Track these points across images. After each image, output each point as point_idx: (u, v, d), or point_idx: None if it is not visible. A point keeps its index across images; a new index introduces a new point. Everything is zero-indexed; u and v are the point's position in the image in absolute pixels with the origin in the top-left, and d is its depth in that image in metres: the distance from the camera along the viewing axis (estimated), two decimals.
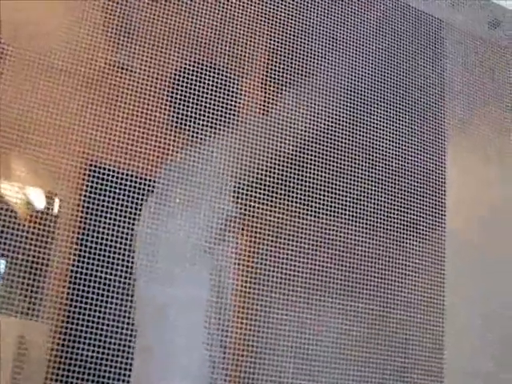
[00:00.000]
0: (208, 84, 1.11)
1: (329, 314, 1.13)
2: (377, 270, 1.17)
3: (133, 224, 1.07)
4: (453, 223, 1.22)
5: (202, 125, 1.10)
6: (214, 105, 1.13)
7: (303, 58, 1.24)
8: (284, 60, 1.21)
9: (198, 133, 1.11)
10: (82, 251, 1.07)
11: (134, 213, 1.06)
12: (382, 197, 1.21)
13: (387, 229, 1.19)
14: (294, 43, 1.24)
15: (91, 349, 1.02)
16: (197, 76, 1.12)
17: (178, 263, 1.12)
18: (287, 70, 1.22)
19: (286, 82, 1.21)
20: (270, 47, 1.23)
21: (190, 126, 1.10)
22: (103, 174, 1.05)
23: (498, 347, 1.14)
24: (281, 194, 1.17)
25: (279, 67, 1.20)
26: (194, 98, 1.10)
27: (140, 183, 1.07)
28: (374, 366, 1.10)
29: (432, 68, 1.41)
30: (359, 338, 1.12)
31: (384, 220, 1.20)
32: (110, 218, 1.05)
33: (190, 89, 1.10)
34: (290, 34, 1.24)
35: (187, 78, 1.12)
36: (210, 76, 1.12)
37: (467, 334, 1.14)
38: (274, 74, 1.20)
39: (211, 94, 1.12)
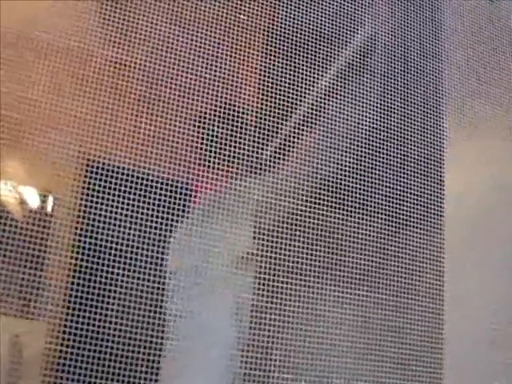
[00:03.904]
0: None
1: (327, 303, 1.13)
2: (375, 259, 1.16)
3: (135, 221, 1.02)
4: (452, 209, 1.21)
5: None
6: None
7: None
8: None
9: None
10: (81, 248, 1.03)
11: (136, 210, 1.02)
12: (379, 184, 1.19)
13: (386, 217, 1.18)
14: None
15: (91, 348, 1.00)
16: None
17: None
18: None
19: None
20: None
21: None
22: (102, 170, 1.00)
23: (499, 335, 1.16)
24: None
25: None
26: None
27: (142, 179, 1.02)
28: (372, 355, 1.11)
29: (430, 39, 1.37)
30: (357, 327, 1.13)
31: (383, 208, 1.18)
32: (110, 215, 1.01)
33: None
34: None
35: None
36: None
37: (468, 324, 1.15)
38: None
39: None
